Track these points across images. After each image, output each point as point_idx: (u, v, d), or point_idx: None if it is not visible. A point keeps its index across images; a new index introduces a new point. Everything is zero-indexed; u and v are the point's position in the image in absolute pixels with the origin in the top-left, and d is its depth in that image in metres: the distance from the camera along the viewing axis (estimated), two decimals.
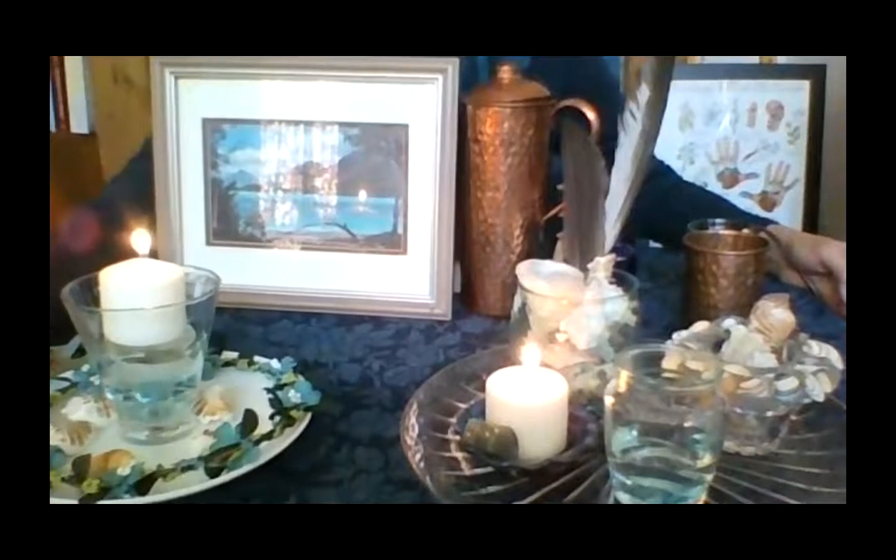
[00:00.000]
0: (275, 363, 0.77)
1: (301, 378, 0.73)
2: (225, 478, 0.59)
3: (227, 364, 0.79)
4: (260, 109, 0.95)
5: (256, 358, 0.79)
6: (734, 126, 1.86)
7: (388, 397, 0.76)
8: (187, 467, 0.60)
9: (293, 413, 0.67)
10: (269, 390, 0.72)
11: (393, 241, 0.94)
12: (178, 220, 0.96)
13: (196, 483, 0.59)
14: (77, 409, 0.69)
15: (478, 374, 0.72)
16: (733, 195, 1.77)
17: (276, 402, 0.70)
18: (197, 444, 0.65)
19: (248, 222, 0.96)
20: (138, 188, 0.98)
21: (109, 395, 0.67)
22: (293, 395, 0.70)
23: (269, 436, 0.64)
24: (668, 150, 1.72)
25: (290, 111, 0.94)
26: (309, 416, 0.68)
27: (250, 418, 0.66)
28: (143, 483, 0.58)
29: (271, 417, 0.68)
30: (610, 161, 0.78)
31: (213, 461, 0.60)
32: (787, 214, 1.85)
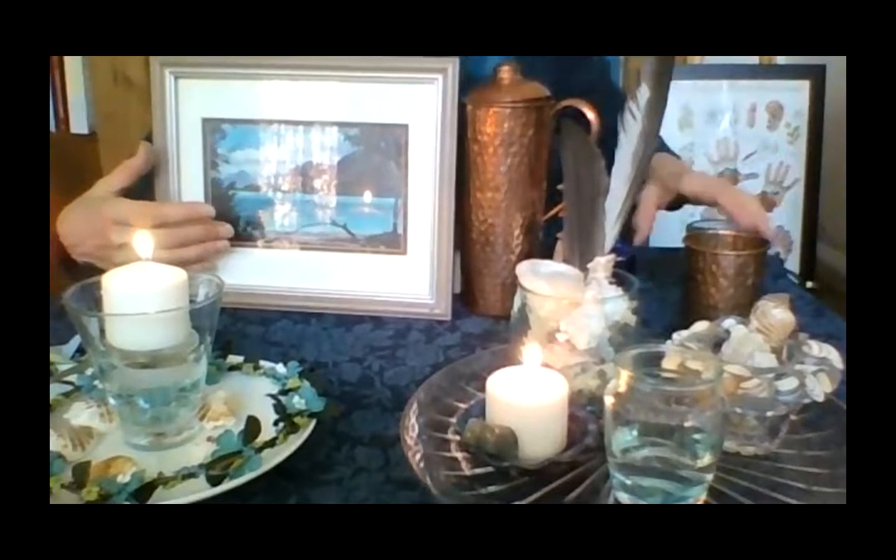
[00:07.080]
0: (280, 367, 0.76)
1: (306, 383, 0.72)
2: (226, 486, 0.58)
3: (233, 368, 0.78)
4: (260, 109, 0.95)
5: (262, 362, 0.77)
6: (734, 126, 1.86)
7: (388, 397, 0.76)
8: (188, 475, 0.60)
9: (297, 419, 0.66)
10: (273, 396, 0.70)
11: (393, 241, 0.94)
12: None
13: (197, 491, 0.58)
14: (80, 414, 0.68)
15: (478, 374, 0.72)
16: None
17: (279, 408, 0.68)
18: (199, 451, 0.64)
19: (248, 222, 0.96)
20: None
21: (111, 400, 0.67)
22: (297, 401, 0.69)
23: (271, 443, 0.63)
24: None
25: (289, 111, 0.94)
26: (313, 422, 0.66)
27: (253, 425, 0.65)
28: (144, 491, 0.57)
29: (275, 424, 0.66)
30: (610, 161, 0.78)
31: (215, 469, 0.60)
32: (787, 214, 1.85)
